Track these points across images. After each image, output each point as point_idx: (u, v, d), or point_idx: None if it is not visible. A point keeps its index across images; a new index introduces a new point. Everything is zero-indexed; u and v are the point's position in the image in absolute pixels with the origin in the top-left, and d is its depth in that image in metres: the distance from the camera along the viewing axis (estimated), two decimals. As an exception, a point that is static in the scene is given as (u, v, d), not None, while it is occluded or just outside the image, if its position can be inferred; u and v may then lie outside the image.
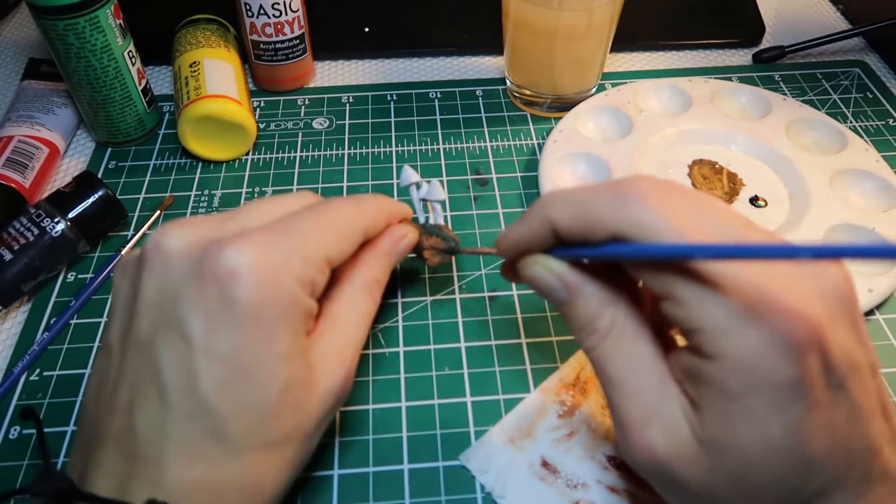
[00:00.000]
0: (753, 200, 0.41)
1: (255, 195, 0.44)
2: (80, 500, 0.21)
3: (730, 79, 0.52)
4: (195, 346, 0.22)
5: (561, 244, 0.24)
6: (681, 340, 0.24)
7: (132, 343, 0.23)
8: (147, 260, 0.24)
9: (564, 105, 0.48)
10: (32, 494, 0.21)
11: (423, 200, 0.34)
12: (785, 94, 0.49)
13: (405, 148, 0.47)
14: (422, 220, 0.34)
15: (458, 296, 0.38)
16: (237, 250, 0.23)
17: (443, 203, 0.34)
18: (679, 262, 0.21)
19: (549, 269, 0.25)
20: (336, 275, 0.26)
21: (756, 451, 0.20)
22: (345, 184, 0.44)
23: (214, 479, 0.22)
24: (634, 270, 0.22)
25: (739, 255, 0.19)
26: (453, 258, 0.37)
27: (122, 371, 0.24)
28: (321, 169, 0.45)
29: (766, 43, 0.56)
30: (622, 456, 0.23)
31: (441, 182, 0.34)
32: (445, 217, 0.41)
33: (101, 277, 0.39)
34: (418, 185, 0.34)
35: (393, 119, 0.49)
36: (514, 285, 0.38)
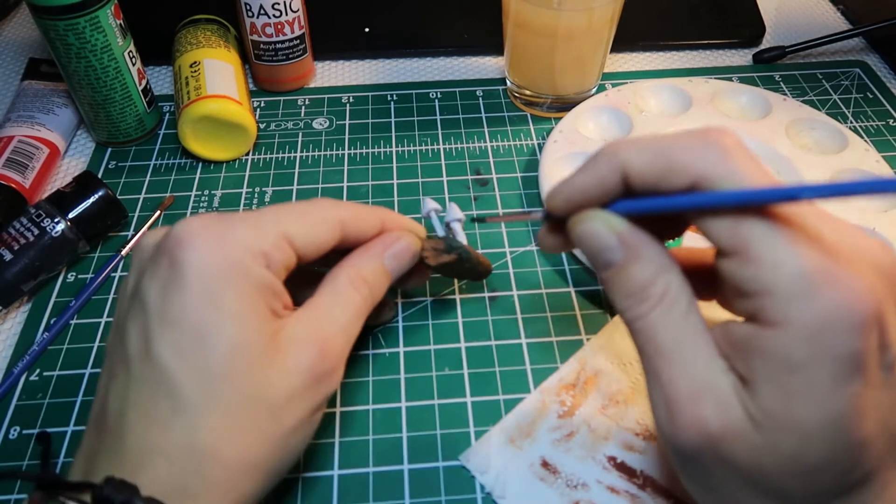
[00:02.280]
0: (753, 200, 0.41)
1: (255, 195, 0.44)
2: (45, 484, 0.22)
3: (730, 79, 0.51)
4: (150, 313, 0.23)
5: (625, 197, 0.23)
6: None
7: (113, 331, 0.26)
8: (131, 261, 0.27)
9: (564, 105, 0.48)
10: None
11: (446, 224, 0.33)
12: (785, 95, 0.49)
13: (405, 148, 0.47)
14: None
15: (458, 296, 0.38)
16: (185, 222, 0.25)
17: (463, 222, 0.34)
18: (765, 211, 0.20)
19: (609, 224, 0.23)
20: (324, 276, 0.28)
21: (815, 426, 0.19)
22: (345, 184, 0.44)
23: (168, 441, 0.22)
24: (707, 223, 0.21)
25: (846, 192, 0.19)
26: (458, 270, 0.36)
27: (104, 359, 0.26)
28: (321, 169, 0.45)
29: (766, 43, 0.56)
30: (661, 434, 0.22)
31: (457, 204, 0.34)
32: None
33: (101, 278, 0.39)
34: (438, 212, 0.34)
35: (393, 119, 0.49)
36: (513, 285, 0.38)
